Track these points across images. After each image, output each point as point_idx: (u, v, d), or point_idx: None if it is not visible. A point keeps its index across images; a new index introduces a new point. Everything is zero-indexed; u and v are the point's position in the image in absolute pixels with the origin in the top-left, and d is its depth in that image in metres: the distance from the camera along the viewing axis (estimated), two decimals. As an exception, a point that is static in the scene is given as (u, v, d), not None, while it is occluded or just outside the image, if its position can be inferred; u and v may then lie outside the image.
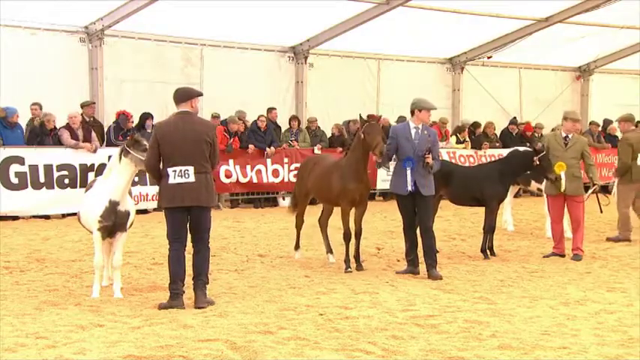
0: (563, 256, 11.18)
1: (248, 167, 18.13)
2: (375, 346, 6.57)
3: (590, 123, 23.17)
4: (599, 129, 22.89)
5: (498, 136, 22.03)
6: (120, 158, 8.31)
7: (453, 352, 6.45)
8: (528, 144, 13.86)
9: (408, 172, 9.77)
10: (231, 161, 17.85)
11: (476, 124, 21.76)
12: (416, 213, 9.93)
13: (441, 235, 13.54)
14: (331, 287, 9.09)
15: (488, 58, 22.42)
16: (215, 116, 18.26)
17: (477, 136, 21.54)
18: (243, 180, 17.95)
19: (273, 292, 8.74)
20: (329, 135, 19.81)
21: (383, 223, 15.35)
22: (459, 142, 21.10)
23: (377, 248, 12.11)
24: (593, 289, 9.10)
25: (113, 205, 8.27)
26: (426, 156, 9.74)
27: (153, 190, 16.65)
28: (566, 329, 7.23)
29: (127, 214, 8.44)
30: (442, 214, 16.68)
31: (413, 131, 9.91)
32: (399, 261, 10.88)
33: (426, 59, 22.35)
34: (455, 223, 15.37)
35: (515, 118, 22.56)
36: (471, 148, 21.04)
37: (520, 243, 12.82)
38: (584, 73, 24.70)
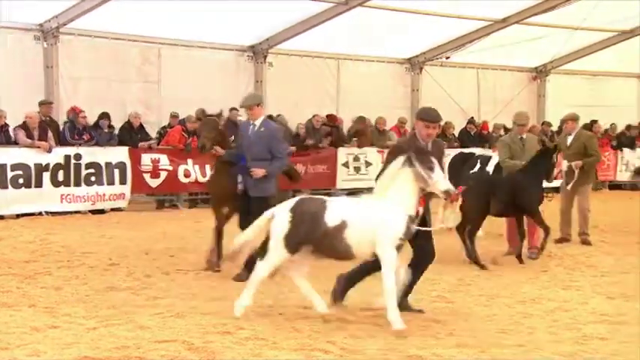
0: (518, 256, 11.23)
1: (207, 167, 18.01)
2: (334, 345, 6.56)
3: (542, 123, 23.50)
4: (551, 129, 23.16)
5: (457, 135, 22.22)
6: (402, 166, 7.01)
7: (411, 350, 6.47)
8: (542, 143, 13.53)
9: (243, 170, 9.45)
10: (190, 161, 17.71)
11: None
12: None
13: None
14: (292, 287, 9.04)
15: (447, 58, 22.57)
16: (174, 115, 18.11)
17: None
18: (202, 179, 17.83)
19: (232, 293, 8.67)
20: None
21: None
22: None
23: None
24: (549, 288, 9.21)
25: (410, 221, 7.05)
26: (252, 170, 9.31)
27: (110, 190, 16.47)
28: (522, 327, 7.30)
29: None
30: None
31: (250, 128, 9.53)
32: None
33: (385, 59, 22.42)
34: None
35: (472, 117, 22.75)
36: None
37: (478, 242, 12.87)
38: (540, 73, 24.98)
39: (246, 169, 9.46)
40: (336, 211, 7.07)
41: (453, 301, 8.44)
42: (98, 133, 16.78)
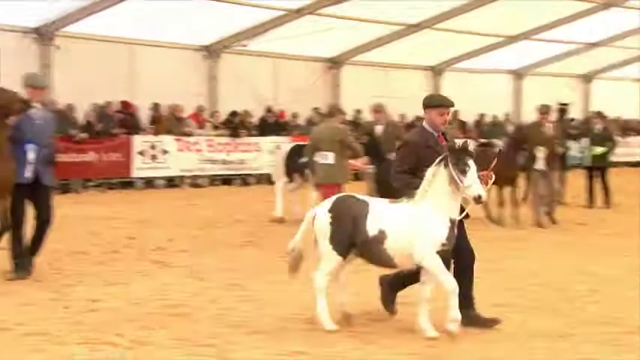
0: None
1: None
2: (123, 337, 6.32)
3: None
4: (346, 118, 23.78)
5: (256, 124, 22.31)
6: (437, 167, 6.44)
7: (204, 339, 6.36)
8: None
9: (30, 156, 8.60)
10: None
11: (234, 113, 21.90)
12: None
13: (199, 224, 13.46)
14: (79, 279, 8.63)
15: (244, 46, 22.53)
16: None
17: (234, 124, 21.62)
18: None
19: (12, 287, 8.13)
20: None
21: (138, 212, 14.86)
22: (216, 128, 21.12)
23: (129, 238, 11.70)
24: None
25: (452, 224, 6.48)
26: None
27: None
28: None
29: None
30: (198, 202, 16.65)
31: (37, 112, 8.70)
32: (153, 250, 10.63)
33: (182, 46, 21.99)
34: (212, 211, 15.25)
35: (270, 106, 22.91)
36: (229, 136, 21.10)
37: (276, 228, 12.94)
38: (335, 64, 25.53)
39: (42, 157, 8.67)
40: (377, 218, 6.51)
41: (248, 288, 8.42)
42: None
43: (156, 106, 20.60)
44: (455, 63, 28.02)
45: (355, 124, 23.29)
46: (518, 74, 30.09)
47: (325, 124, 12.19)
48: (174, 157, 19.90)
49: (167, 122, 20.37)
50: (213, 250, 10.87)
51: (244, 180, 21.38)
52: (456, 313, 6.35)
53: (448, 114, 6.86)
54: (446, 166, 6.28)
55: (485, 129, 26.60)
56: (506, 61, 28.81)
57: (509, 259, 10.16)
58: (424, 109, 6.89)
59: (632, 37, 28.31)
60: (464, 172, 6.19)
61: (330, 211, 6.66)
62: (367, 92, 23.08)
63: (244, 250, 10.90)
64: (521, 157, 13.78)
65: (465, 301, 6.62)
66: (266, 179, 21.05)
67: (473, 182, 6.20)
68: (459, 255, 6.69)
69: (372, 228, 6.48)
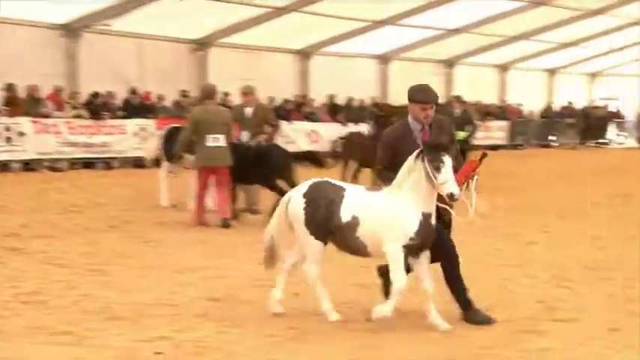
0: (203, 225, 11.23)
1: None
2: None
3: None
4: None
5: (120, 106, 21.68)
6: (415, 160, 6.15)
7: (60, 327, 6.12)
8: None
9: None
10: None
11: (96, 94, 21.20)
12: None
13: (55, 206, 12.95)
14: None
15: (107, 26, 21.78)
16: None
17: (96, 105, 20.91)
18: None
19: None
20: None
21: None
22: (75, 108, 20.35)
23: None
24: (208, 257, 9.19)
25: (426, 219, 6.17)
26: None
27: None
28: (180, 296, 7.19)
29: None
30: (57, 186, 16.01)
31: None
32: (7, 236, 10.13)
33: (38, 24, 20.97)
34: (72, 195, 14.69)
35: (134, 88, 22.31)
36: (91, 118, 20.38)
37: (140, 213, 12.61)
38: (201, 46, 25.13)
39: None
40: (351, 204, 6.27)
41: (109, 274, 8.13)
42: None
43: (10, 87, 19.58)
44: (323, 47, 28.17)
45: (224, 106, 23.01)
46: (384, 59, 30.59)
47: (208, 106, 11.78)
48: (31, 139, 19.01)
49: (23, 103, 19.44)
50: (73, 235, 10.46)
51: (108, 164, 20.71)
52: (387, 309, 6.13)
53: (431, 109, 6.39)
54: (422, 161, 6.08)
55: (354, 113, 26.95)
56: (372, 46, 29.24)
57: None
58: (408, 101, 6.54)
59: (491, 23, 29.31)
60: (438, 169, 6.00)
61: (305, 195, 6.44)
62: (235, 75, 22.88)
63: (106, 235, 10.53)
64: None
65: (464, 303, 6.45)
66: (131, 163, 20.57)
67: (446, 180, 5.99)
68: (440, 249, 6.37)
69: (345, 214, 6.27)
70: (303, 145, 25.26)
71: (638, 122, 37.30)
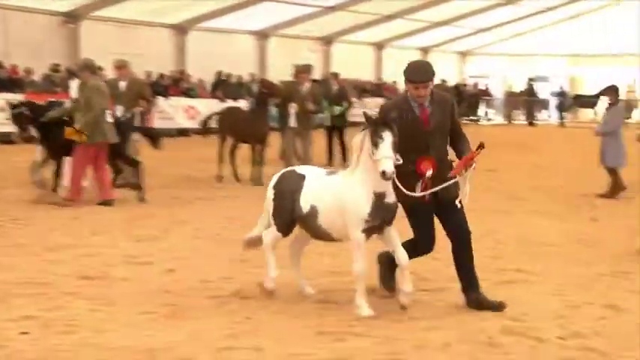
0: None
1: None
2: None
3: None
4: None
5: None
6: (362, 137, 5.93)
7: (16, 312, 5.86)
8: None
9: None
10: None
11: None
12: None
13: None
14: None
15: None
16: None
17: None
18: None
19: None
20: None
21: None
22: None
23: None
24: (81, 235, 8.94)
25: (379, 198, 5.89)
26: None
27: None
28: (50, 274, 6.97)
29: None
30: None
31: None
32: None
33: None
34: None
35: (0, 61, 21.40)
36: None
37: (6, 191, 12.11)
38: (72, 18, 24.25)
39: None
40: (308, 193, 6.10)
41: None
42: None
43: None
44: (200, 22, 27.78)
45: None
46: (263, 35, 30.47)
47: (100, 82, 11.51)
48: None
49: None
50: None
51: (-27, 140, 19.74)
52: (359, 302, 5.94)
53: (424, 88, 6.08)
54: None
55: (232, 89, 26.75)
56: (250, 22, 29.06)
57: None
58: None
59: (367, 2, 29.67)
60: (376, 145, 5.73)
61: (274, 187, 6.34)
62: (109, 49, 22.26)
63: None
64: (269, 114, 14.03)
65: (469, 284, 6.20)
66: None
67: (382, 156, 5.70)
68: (452, 229, 6.18)
69: (305, 205, 6.13)
70: (181, 120, 24.97)
71: (506, 100, 38.76)
